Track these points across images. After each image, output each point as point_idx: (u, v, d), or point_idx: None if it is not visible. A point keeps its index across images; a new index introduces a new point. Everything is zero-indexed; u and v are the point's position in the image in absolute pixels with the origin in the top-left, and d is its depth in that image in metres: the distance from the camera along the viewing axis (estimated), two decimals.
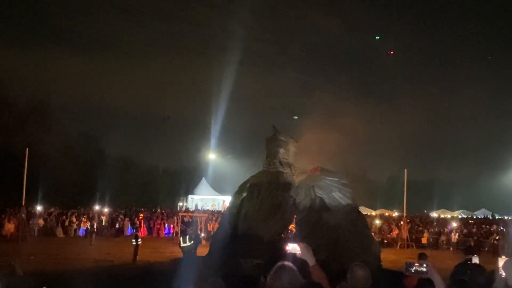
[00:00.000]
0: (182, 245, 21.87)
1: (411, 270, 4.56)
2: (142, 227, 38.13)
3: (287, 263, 4.39)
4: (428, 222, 48.55)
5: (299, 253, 4.95)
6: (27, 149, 32.11)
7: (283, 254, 5.15)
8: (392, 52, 76.30)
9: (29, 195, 33.87)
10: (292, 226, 20.28)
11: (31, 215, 36.67)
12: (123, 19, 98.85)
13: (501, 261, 6.02)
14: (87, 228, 37.03)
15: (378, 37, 79.49)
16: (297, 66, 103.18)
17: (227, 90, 53.47)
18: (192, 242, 22.04)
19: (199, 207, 53.61)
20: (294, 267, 4.38)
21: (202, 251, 22.08)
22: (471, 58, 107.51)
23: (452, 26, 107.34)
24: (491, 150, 79.82)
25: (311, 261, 4.88)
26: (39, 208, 40.56)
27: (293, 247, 4.98)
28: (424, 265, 4.52)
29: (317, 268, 4.88)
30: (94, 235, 31.46)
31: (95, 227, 34.03)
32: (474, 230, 40.67)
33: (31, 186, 34.20)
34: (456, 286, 5.02)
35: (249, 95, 77.84)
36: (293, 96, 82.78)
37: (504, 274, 5.03)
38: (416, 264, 4.57)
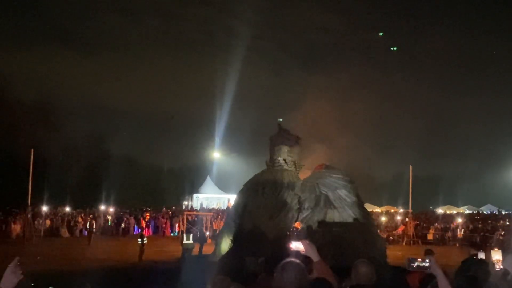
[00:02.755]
0: (184, 241, 22.34)
1: (413, 266, 4.56)
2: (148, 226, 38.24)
3: (294, 259, 4.40)
4: (433, 218, 48.44)
5: (303, 251, 4.98)
6: (32, 149, 32.20)
7: (288, 252, 5.18)
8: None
9: (35, 196, 33.94)
10: (297, 224, 20.32)
11: (36, 215, 36.78)
12: (128, 19, 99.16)
13: (494, 254, 5.99)
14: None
15: (381, 33, 79.32)
16: (300, 64, 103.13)
17: (231, 89, 53.62)
18: (193, 242, 22.37)
19: (204, 206, 53.68)
20: (302, 264, 4.39)
21: (208, 249, 22.18)
22: (475, 53, 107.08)
23: (456, 21, 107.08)
24: (496, 145, 79.44)
25: (315, 257, 4.90)
26: (44, 208, 40.69)
27: (296, 245, 5.02)
28: (427, 260, 4.52)
29: (322, 263, 4.91)
30: (92, 235, 31.42)
31: (93, 227, 33.90)
32: (480, 225, 40.56)
33: (37, 186, 34.28)
34: (466, 282, 5.00)
35: (253, 93, 77.75)
36: (296, 94, 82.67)
37: (502, 266, 5.02)
38: (419, 259, 4.57)
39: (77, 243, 29.80)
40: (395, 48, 66.38)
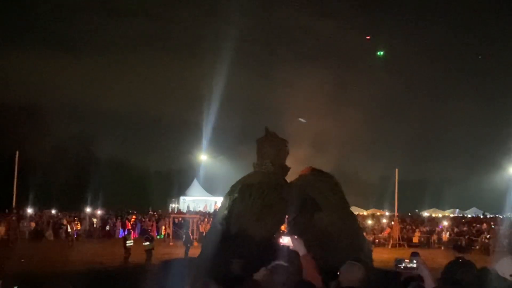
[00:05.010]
0: (144, 244, 22.78)
1: (401, 267, 4.58)
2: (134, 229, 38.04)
3: (282, 263, 4.44)
4: (419, 221, 48.72)
5: (292, 246, 5.14)
6: (18, 151, 31.98)
7: (275, 254, 5.25)
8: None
9: (20, 198, 33.68)
10: (284, 227, 20.31)
11: (21, 218, 36.46)
12: (115, 20, 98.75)
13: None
14: (77, 231, 36.97)
15: (369, 37, 79.73)
16: (287, 67, 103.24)
17: (218, 91, 53.43)
18: (149, 243, 23.23)
19: (191, 209, 53.51)
20: (288, 267, 4.43)
21: (194, 252, 22.11)
22: (462, 59, 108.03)
23: (443, 26, 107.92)
24: (482, 150, 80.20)
25: (301, 251, 5.04)
26: (29, 210, 40.36)
27: (286, 240, 5.22)
28: (414, 261, 4.55)
29: (307, 257, 5.04)
30: (73, 238, 31.32)
31: (74, 229, 33.73)
32: (465, 229, 40.85)
33: (22, 188, 34.02)
34: (448, 285, 5.03)
35: (240, 96, 77.85)
36: (284, 96, 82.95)
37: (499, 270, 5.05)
38: (406, 260, 4.60)
39: (62, 246, 29.59)
40: (381, 53, 66.82)
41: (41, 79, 68.59)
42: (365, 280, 5.14)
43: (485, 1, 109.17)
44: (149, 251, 22.83)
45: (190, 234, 29.16)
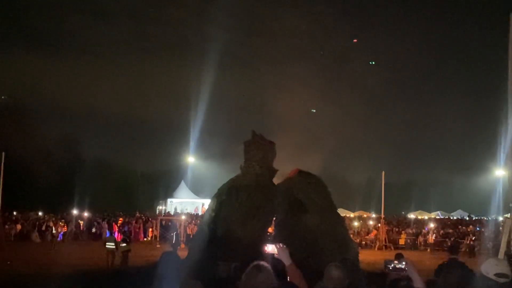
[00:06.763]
0: (121, 245, 22.89)
1: (390, 267, 4.65)
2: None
3: (262, 263, 4.44)
4: (405, 223, 48.94)
5: (276, 254, 5.11)
6: (3, 153, 31.71)
7: (261, 257, 5.25)
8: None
9: (6, 200, 33.39)
10: (271, 229, 20.34)
11: (7, 219, 36.17)
12: (101, 21, 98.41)
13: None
14: (64, 233, 36.78)
15: (355, 40, 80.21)
16: (274, 69, 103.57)
17: (206, 93, 53.54)
18: (126, 244, 23.01)
19: (178, 211, 53.36)
20: (269, 267, 4.44)
21: (181, 254, 22.07)
22: (447, 63, 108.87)
23: (426, 29, 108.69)
24: (467, 152, 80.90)
25: (287, 261, 5.04)
26: (15, 212, 40.06)
27: (271, 248, 5.15)
28: (403, 262, 4.63)
29: (293, 267, 5.04)
30: (54, 240, 31.28)
31: (59, 231, 33.62)
32: (450, 231, 41.11)
33: (8, 190, 33.72)
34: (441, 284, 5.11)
35: (228, 98, 77.93)
36: (271, 99, 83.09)
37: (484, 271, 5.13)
38: (395, 261, 4.67)
39: (48, 248, 29.41)
40: (373, 62, 67.68)
41: (27, 80, 68.08)
42: (347, 282, 5.19)
43: (469, 3, 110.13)
44: (125, 252, 22.58)
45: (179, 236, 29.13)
